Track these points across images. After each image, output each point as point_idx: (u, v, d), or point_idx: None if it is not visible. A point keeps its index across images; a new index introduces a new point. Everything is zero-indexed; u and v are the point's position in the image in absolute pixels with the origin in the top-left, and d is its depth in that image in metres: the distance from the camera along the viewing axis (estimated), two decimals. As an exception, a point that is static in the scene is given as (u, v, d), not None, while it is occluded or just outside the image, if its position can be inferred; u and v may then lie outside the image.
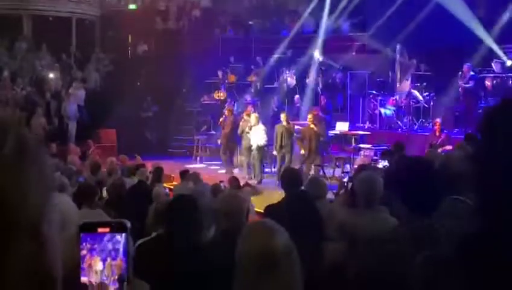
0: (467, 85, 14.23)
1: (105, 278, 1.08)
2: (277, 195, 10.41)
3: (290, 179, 5.05)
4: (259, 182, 12.82)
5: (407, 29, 15.25)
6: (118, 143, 16.85)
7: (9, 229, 0.64)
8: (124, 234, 1.09)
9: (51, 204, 0.68)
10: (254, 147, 13.17)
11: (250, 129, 13.34)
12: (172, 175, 11.49)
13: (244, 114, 14.45)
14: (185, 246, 3.13)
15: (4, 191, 0.63)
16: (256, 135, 13.20)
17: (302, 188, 5.07)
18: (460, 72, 14.36)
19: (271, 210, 4.66)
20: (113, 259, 1.08)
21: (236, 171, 13.80)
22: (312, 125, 12.40)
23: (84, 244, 1.07)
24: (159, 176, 8.75)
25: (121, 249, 1.08)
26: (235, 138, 14.17)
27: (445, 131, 12.27)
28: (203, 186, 6.93)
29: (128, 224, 1.11)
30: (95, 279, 1.07)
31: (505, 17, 14.50)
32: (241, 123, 14.02)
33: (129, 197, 7.42)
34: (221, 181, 8.72)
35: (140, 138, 18.00)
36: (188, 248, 3.12)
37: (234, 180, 8.80)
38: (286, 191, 4.78)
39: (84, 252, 1.07)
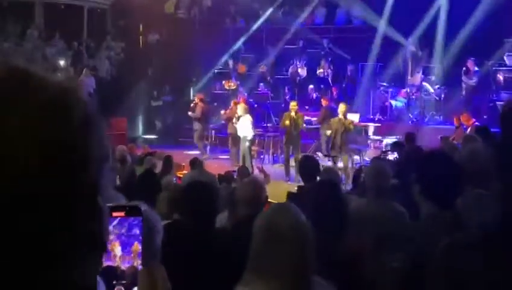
0: (471, 82, 14.15)
1: (126, 262, 1.09)
2: (285, 185, 10.53)
3: (310, 167, 5.07)
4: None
5: (420, 21, 15.19)
6: (128, 131, 16.92)
7: (74, 192, 0.66)
8: (139, 218, 1.09)
9: (107, 172, 0.70)
10: (242, 138, 12.88)
11: (238, 119, 13.11)
12: (183, 164, 11.53)
13: (232, 103, 14.30)
14: (205, 231, 3.17)
15: (75, 151, 0.65)
16: (243, 126, 12.91)
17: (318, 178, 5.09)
18: (464, 68, 14.29)
19: (293, 197, 4.69)
20: (130, 243, 1.08)
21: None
22: (342, 117, 11.85)
23: (110, 228, 1.04)
24: (169, 165, 8.77)
25: (137, 232, 1.09)
26: None
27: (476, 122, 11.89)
28: (208, 175, 7.02)
29: (143, 207, 1.11)
30: (115, 263, 1.08)
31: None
32: (227, 112, 13.90)
33: (138, 186, 7.48)
34: (233, 171, 8.77)
35: (151, 126, 18.07)
36: (208, 233, 3.16)
37: (244, 170, 8.84)
38: (307, 180, 4.79)
39: (110, 237, 1.05)
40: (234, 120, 13.27)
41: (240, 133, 12.94)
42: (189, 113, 15.30)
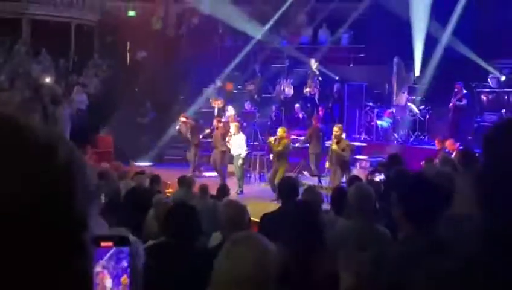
0: (461, 103, 14.33)
1: None
2: (272, 205, 10.52)
3: (287, 188, 5.09)
4: (241, 192, 12.73)
5: (405, 42, 15.40)
6: (115, 149, 16.85)
7: (59, 236, 0.68)
8: (127, 249, 1.07)
9: (91, 214, 0.72)
10: (235, 156, 12.99)
11: (230, 138, 13.20)
12: (169, 182, 11.50)
13: (215, 121, 14.34)
14: (187, 252, 3.16)
15: (57, 199, 0.68)
16: (237, 144, 13.04)
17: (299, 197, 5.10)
18: (455, 90, 14.48)
19: (268, 219, 4.69)
20: (119, 275, 1.05)
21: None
22: (334, 145, 11.73)
23: (101, 260, 1.03)
24: (157, 184, 8.75)
25: (126, 264, 1.06)
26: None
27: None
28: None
29: (131, 237, 1.09)
30: None
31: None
32: (215, 132, 13.98)
33: (126, 203, 7.45)
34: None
35: (137, 144, 18.00)
36: (190, 254, 3.16)
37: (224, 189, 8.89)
38: (285, 200, 4.81)
39: (98, 268, 1.03)
40: (227, 138, 13.39)
41: (233, 151, 13.07)
42: (179, 130, 15.27)
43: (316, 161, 13.30)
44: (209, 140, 14.43)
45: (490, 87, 14.84)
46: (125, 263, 1.06)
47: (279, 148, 12.21)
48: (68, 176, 0.69)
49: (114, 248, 1.05)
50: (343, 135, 12.50)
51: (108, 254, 1.05)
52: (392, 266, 2.51)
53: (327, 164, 12.34)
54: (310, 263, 2.95)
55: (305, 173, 13.47)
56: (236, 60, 18.44)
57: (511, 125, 1.30)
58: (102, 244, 1.05)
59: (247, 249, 2.01)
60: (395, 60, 15.73)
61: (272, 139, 12.56)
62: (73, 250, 0.69)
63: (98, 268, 1.03)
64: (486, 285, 1.18)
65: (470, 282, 1.20)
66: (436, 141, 12.01)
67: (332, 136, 11.85)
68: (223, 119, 14.68)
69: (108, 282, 1.05)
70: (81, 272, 0.70)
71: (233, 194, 11.86)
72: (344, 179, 11.37)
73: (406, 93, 15.61)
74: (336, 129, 11.87)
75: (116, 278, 1.06)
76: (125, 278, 1.06)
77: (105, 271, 1.05)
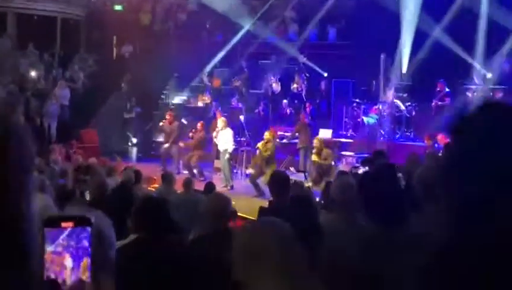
0: (443, 103, 14.39)
1: (74, 275, 1.05)
2: (258, 201, 10.52)
3: (278, 182, 5.07)
4: (231, 187, 12.74)
5: (393, 38, 15.43)
6: (100, 144, 16.76)
7: None
8: (88, 229, 1.06)
9: (30, 188, 0.70)
10: (222, 151, 13.00)
11: (218, 134, 13.23)
12: (155, 177, 11.45)
13: (199, 124, 14.47)
14: (161, 247, 3.13)
15: None
16: (224, 139, 13.05)
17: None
18: (438, 89, 14.53)
19: (265, 212, 4.67)
20: (80, 256, 1.05)
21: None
22: (315, 157, 12.10)
23: (59, 240, 1.03)
24: (138, 180, 8.70)
25: (86, 244, 1.06)
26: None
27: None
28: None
29: (93, 219, 1.09)
30: (65, 276, 1.04)
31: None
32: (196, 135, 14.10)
33: (111, 199, 7.40)
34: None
35: (123, 139, 17.92)
36: (165, 250, 3.13)
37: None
38: (276, 195, 4.79)
39: (59, 248, 1.03)
40: (214, 134, 13.39)
41: (221, 147, 13.07)
42: (162, 127, 15.26)
43: (305, 154, 13.39)
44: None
45: (476, 84, 14.93)
46: (85, 243, 1.05)
47: (267, 152, 12.28)
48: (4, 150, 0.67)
49: (74, 228, 1.04)
50: (328, 137, 12.75)
51: (66, 234, 1.03)
52: (371, 257, 2.51)
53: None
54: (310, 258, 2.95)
55: (292, 169, 13.50)
56: (223, 54, 18.35)
57: (484, 110, 1.28)
58: (63, 224, 1.04)
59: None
60: (382, 56, 15.76)
61: (260, 145, 12.58)
62: (9, 222, 0.67)
63: (58, 248, 1.03)
64: (455, 278, 1.17)
65: (439, 275, 1.19)
66: (425, 138, 12.06)
67: (313, 148, 12.14)
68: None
69: (69, 262, 1.04)
70: (14, 237, 0.68)
71: (223, 189, 11.85)
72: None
73: (392, 89, 15.66)
74: (315, 142, 12.26)
75: (77, 258, 1.04)
76: (86, 258, 1.05)
77: (66, 251, 1.04)
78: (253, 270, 1.97)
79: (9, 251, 0.69)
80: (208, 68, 18.63)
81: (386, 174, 2.94)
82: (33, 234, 0.73)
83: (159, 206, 3.43)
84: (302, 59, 17.25)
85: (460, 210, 1.19)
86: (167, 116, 15.15)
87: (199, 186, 9.84)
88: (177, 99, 18.61)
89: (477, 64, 14.84)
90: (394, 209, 2.61)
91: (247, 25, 18.13)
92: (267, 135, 12.61)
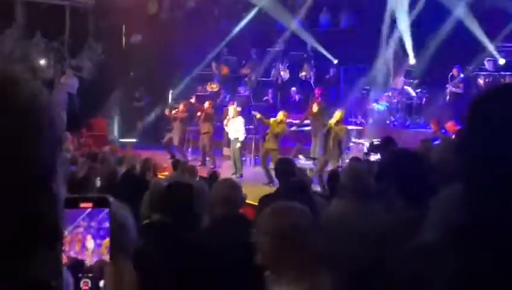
0: (457, 89, 14.24)
1: (96, 255, 1.05)
2: (267, 188, 10.50)
3: (284, 169, 5.07)
4: (241, 176, 12.66)
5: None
6: (108, 132, 16.83)
7: (22, 180, 0.64)
8: (107, 210, 1.06)
9: (60, 157, 0.68)
10: (233, 140, 12.96)
11: (228, 122, 13.23)
12: (165, 165, 11.47)
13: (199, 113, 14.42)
14: (183, 231, 3.13)
15: (18, 141, 0.64)
16: (235, 127, 13.00)
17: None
18: (450, 74, 14.38)
19: (267, 200, 4.65)
20: (101, 237, 1.05)
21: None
22: (332, 120, 11.45)
23: (78, 221, 1.02)
24: (148, 167, 8.73)
25: (107, 225, 1.05)
26: None
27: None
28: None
29: (111, 199, 1.09)
30: (86, 257, 1.04)
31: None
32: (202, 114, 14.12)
33: (121, 186, 7.42)
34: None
35: (133, 127, 17.96)
36: (187, 234, 3.12)
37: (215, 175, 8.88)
38: (281, 181, 4.79)
39: (80, 229, 1.02)
40: (225, 122, 13.36)
41: (231, 135, 13.04)
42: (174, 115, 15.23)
43: (316, 142, 13.13)
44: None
45: (487, 70, 14.77)
46: (106, 224, 1.05)
47: (278, 129, 12.20)
48: (30, 116, 0.64)
49: (94, 209, 1.04)
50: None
51: (86, 214, 1.03)
52: (380, 242, 2.49)
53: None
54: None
55: (301, 156, 13.43)
56: (231, 41, 18.25)
57: (490, 96, 1.25)
58: (82, 205, 1.03)
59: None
60: (393, 43, 15.64)
61: (272, 119, 12.52)
62: (38, 198, 0.64)
63: (78, 229, 1.02)
64: (464, 257, 1.15)
65: (448, 254, 1.18)
66: (432, 123, 11.95)
67: (334, 117, 11.63)
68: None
69: (90, 243, 1.04)
70: (48, 218, 0.66)
71: (232, 177, 11.83)
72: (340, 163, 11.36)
73: (402, 76, 15.55)
74: (338, 113, 11.66)
75: (98, 239, 1.04)
76: (107, 241, 1.04)
77: (86, 232, 1.03)
78: (284, 251, 2.00)
79: (46, 232, 0.67)
80: (216, 55, 18.56)
81: (407, 158, 2.91)
82: (62, 214, 0.72)
83: (188, 191, 3.44)
84: (311, 47, 17.09)
85: (481, 191, 1.17)
86: (181, 106, 15.07)
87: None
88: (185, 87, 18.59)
89: (492, 49, 14.57)
90: (424, 190, 2.58)
91: (255, 11, 17.99)
92: (280, 115, 12.54)
